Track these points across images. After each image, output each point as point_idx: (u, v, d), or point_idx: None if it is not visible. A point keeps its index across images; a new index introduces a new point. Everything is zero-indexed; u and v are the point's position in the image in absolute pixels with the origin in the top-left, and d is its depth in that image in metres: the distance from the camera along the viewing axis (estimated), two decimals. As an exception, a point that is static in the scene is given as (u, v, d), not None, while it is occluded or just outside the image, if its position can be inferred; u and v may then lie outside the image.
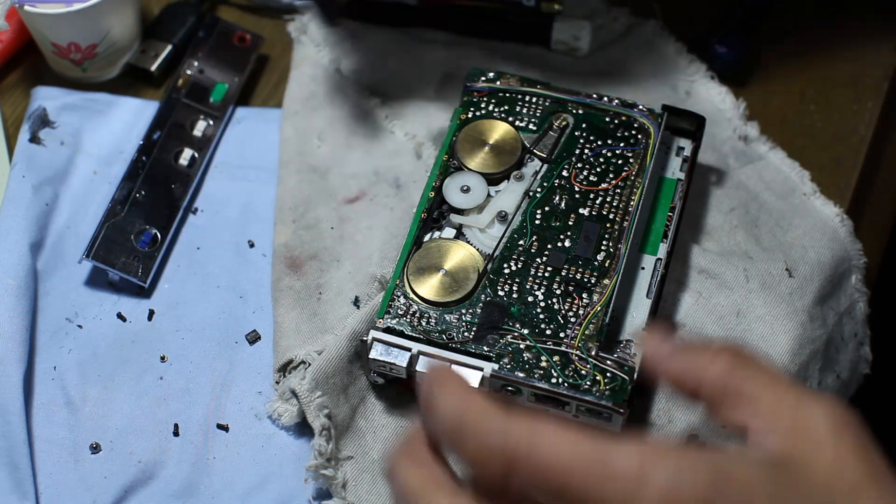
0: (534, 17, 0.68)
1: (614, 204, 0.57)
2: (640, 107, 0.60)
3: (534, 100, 0.61)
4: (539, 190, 0.58)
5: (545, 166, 0.58)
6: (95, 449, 0.55)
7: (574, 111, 0.60)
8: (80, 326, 0.59)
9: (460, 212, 0.57)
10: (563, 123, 0.60)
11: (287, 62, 0.69)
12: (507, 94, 0.61)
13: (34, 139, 0.64)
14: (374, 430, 0.55)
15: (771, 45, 0.71)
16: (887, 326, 0.68)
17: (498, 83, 0.61)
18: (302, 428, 0.56)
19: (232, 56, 0.68)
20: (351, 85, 0.67)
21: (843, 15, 0.72)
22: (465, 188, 0.58)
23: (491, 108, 0.61)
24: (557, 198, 0.57)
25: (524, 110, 0.60)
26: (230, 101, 0.67)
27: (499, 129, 0.60)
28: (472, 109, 0.61)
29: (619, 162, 0.58)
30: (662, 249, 0.57)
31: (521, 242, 0.56)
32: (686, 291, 0.58)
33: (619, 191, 0.58)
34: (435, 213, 0.57)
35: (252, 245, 0.62)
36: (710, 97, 0.67)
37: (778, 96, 0.69)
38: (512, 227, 0.56)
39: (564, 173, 0.58)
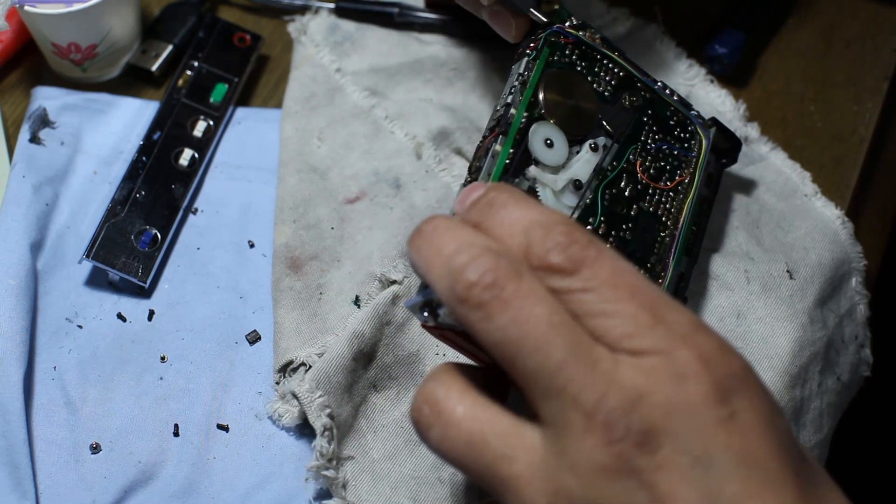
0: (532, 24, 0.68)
1: (667, 207, 0.55)
2: (696, 111, 0.58)
3: (610, 65, 0.57)
4: (610, 169, 0.54)
5: (615, 144, 0.55)
6: (95, 449, 0.55)
7: (643, 94, 0.57)
8: (80, 326, 0.59)
9: (536, 164, 0.52)
10: (636, 103, 0.56)
11: (287, 62, 0.69)
12: (589, 50, 0.56)
13: (34, 139, 0.64)
14: (375, 429, 0.55)
15: (771, 45, 0.71)
16: (887, 329, 0.68)
17: (583, 34, 0.57)
18: (302, 428, 0.56)
19: (232, 56, 0.68)
20: (351, 85, 0.67)
21: (843, 15, 0.72)
22: (549, 142, 0.53)
23: (574, 58, 0.56)
24: (624, 182, 0.54)
25: (601, 73, 0.56)
26: (230, 101, 0.67)
27: (582, 88, 0.55)
28: (557, 55, 0.55)
29: (675, 163, 0.56)
30: (684, 263, 0.55)
31: (590, 220, 0.52)
32: (686, 292, 0.58)
33: (671, 195, 0.55)
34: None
35: (252, 245, 0.62)
36: (710, 100, 0.67)
37: (778, 97, 0.69)
38: (584, 201, 0.53)
39: (631, 158, 0.55)
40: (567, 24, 0.56)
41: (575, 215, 0.52)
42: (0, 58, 0.68)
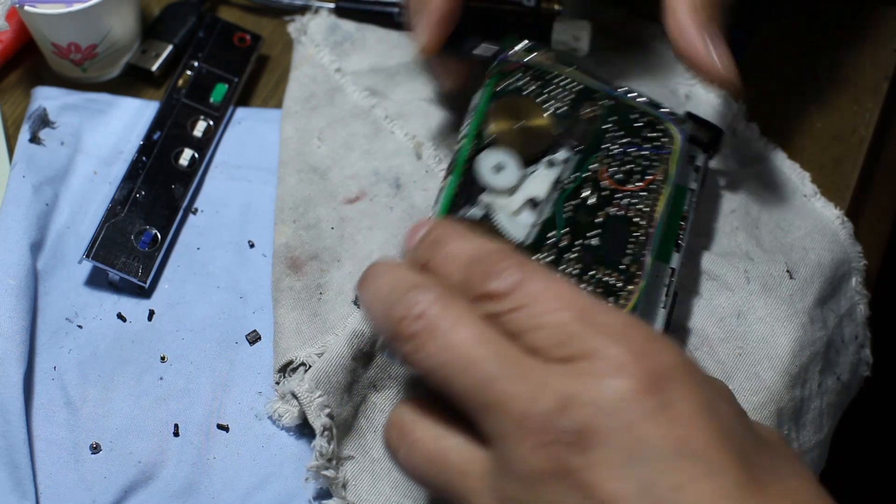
0: (533, 18, 0.68)
1: (639, 207, 0.55)
2: (666, 108, 0.58)
3: (565, 81, 0.58)
4: (570, 181, 0.55)
5: (575, 156, 0.56)
6: (95, 449, 0.55)
7: (604, 102, 0.58)
8: (80, 326, 0.59)
9: (487, 192, 0.54)
10: (594, 113, 0.57)
11: (287, 62, 0.69)
12: (541, 71, 0.58)
13: (34, 139, 0.64)
14: (375, 429, 0.55)
15: (770, 45, 0.71)
16: (887, 329, 0.68)
17: (534, 55, 0.58)
18: (302, 428, 0.56)
19: (232, 56, 0.68)
20: (351, 85, 0.67)
21: (843, 15, 0.72)
22: (498, 166, 0.55)
23: (523, 83, 0.57)
24: (587, 192, 0.55)
25: (556, 91, 0.57)
26: (230, 101, 0.67)
27: (532, 108, 0.57)
28: (505, 81, 0.57)
29: (645, 164, 0.56)
30: (675, 259, 0.56)
31: (551, 235, 0.53)
32: (687, 293, 0.58)
33: (643, 194, 0.55)
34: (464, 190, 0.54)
35: (252, 245, 0.62)
36: (710, 100, 0.67)
37: (778, 97, 0.69)
38: (543, 217, 0.54)
39: (593, 166, 0.55)
40: (515, 49, 0.58)
41: (534, 231, 0.53)
42: (0, 58, 0.68)
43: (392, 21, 0.70)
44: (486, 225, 0.53)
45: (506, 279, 0.41)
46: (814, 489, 0.39)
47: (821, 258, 0.60)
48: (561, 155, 0.56)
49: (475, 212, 0.54)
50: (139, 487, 0.54)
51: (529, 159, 0.55)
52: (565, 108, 0.57)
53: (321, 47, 0.69)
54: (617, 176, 0.55)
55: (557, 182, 0.55)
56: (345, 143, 0.65)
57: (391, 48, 0.69)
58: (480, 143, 0.55)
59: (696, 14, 0.53)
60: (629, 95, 0.58)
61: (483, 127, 0.55)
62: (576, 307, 0.40)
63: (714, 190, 0.63)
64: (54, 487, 0.54)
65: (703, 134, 0.59)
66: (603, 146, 0.56)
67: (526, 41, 0.58)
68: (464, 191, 0.54)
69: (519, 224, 0.54)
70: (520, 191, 0.54)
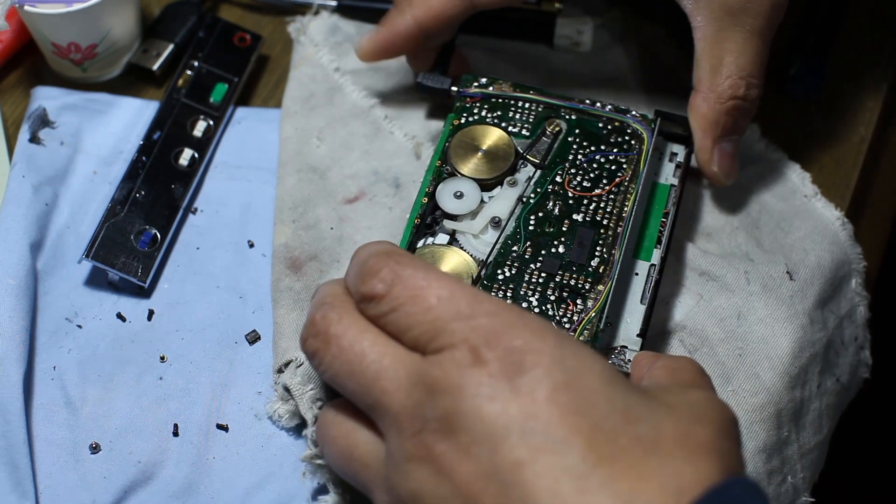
0: (536, 16, 0.68)
1: (608, 210, 0.57)
2: (633, 112, 0.60)
3: (526, 105, 0.60)
4: (532, 196, 0.57)
5: (538, 172, 0.58)
6: (95, 449, 0.55)
7: (567, 116, 0.60)
8: (79, 326, 0.59)
9: (454, 218, 0.57)
10: (557, 129, 0.59)
11: (287, 62, 0.69)
12: (500, 100, 0.60)
13: (34, 139, 0.64)
14: None
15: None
16: (887, 331, 0.68)
17: (491, 88, 0.61)
18: (301, 428, 0.56)
19: (232, 56, 0.68)
20: (350, 84, 0.67)
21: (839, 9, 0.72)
22: (458, 194, 0.57)
23: (484, 113, 0.60)
24: (551, 203, 0.57)
25: (517, 116, 0.60)
26: (230, 101, 0.67)
27: (492, 135, 0.59)
28: (464, 115, 0.60)
29: (613, 168, 0.58)
30: (656, 255, 0.57)
31: (514, 248, 0.56)
32: (687, 293, 0.58)
33: (612, 196, 0.57)
34: (428, 219, 0.57)
35: (252, 245, 0.62)
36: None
37: (778, 97, 0.69)
38: (506, 233, 0.56)
39: (558, 179, 0.58)
40: (474, 84, 0.61)
41: (497, 249, 0.56)
42: (0, 58, 0.68)
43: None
44: (454, 248, 0.56)
45: (381, 280, 0.43)
46: (710, 469, 0.38)
47: (821, 259, 0.60)
48: (523, 174, 0.58)
49: (441, 237, 0.56)
50: (139, 487, 0.54)
51: (494, 182, 0.58)
52: (528, 127, 0.60)
53: (320, 47, 0.68)
54: (584, 184, 0.58)
55: (520, 198, 0.57)
56: (344, 143, 0.65)
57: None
58: (439, 177, 0.58)
59: (711, 132, 0.58)
60: (595, 107, 0.60)
61: (443, 162, 0.58)
62: (444, 301, 0.42)
63: (714, 190, 0.63)
64: (54, 487, 0.54)
65: (681, 128, 0.60)
66: (569, 158, 0.58)
67: (484, 78, 0.61)
68: (425, 224, 0.57)
69: (483, 243, 0.56)
70: (481, 214, 0.57)
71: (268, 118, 0.67)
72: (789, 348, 0.57)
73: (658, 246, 0.57)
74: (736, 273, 0.59)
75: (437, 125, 0.65)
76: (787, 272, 0.59)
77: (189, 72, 0.67)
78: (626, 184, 0.57)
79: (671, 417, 0.40)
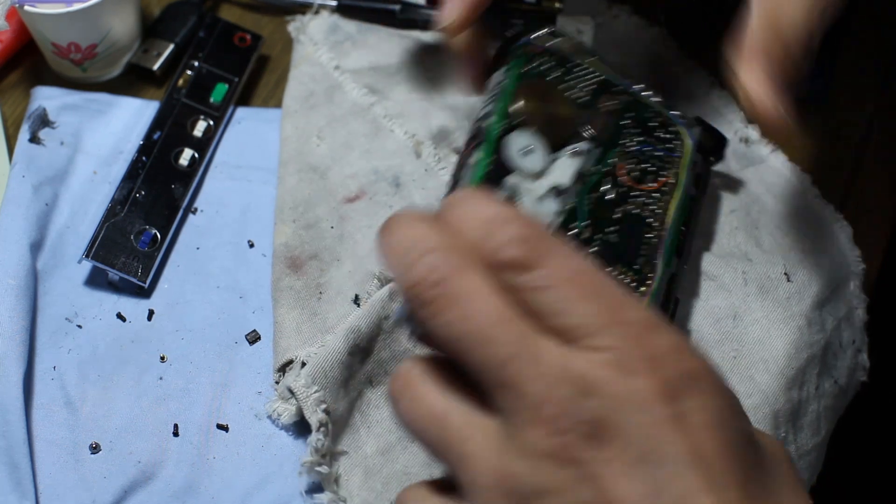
0: (536, 14, 0.68)
1: (652, 208, 0.55)
2: (677, 112, 0.58)
3: (586, 71, 0.57)
4: (592, 173, 0.54)
5: (595, 149, 0.55)
6: (95, 449, 0.55)
7: (622, 96, 0.57)
8: (79, 326, 0.59)
9: (512, 172, 0.53)
10: (614, 107, 0.56)
11: (287, 62, 0.69)
12: (562, 59, 0.57)
13: (34, 139, 0.64)
14: (369, 425, 0.55)
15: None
16: (885, 333, 0.68)
17: (557, 41, 0.57)
18: (301, 428, 0.56)
19: (232, 56, 0.68)
20: (350, 82, 0.67)
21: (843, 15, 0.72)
22: (527, 150, 0.54)
23: (546, 67, 0.56)
24: (607, 187, 0.54)
25: (577, 80, 0.57)
26: (230, 101, 0.67)
27: (556, 94, 0.56)
28: (529, 64, 0.56)
29: (659, 164, 0.56)
30: (674, 264, 0.55)
31: (573, 226, 0.53)
32: (684, 293, 0.58)
33: (656, 195, 0.55)
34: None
35: (252, 245, 0.62)
36: (710, 100, 0.67)
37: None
38: (566, 206, 0.53)
39: (612, 161, 0.55)
40: (539, 33, 0.57)
41: (559, 221, 0.53)
42: (0, 58, 0.68)
43: (394, 19, 0.70)
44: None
45: (529, 250, 0.39)
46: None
47: (819, 261, 0.60)
48: (583, 146, 0.55)
49: (500, 193, 0.53)
50: (139, 487, 0.54)
51: (553, 146, 0.54)
52: (586, 98, 0.56)
53: (320, 45, 0.68)
54: (633, 173, 0.55)
55: (580, 173, 0.54)
56: (344, 142, 0.65)
57: (392, 47, 0.69)
58: (509, 123, 0.53)
59: (771, 79, 0.52)
60: (644, 94, 0.58)
61: (511, 106, 0.54)
62: (604, 298, 0.38)
63: (714, 191, 0.63)
64: (54, 487, 0.54)
65: (708, 140, 0.59)
66: (621, 141, 0.56)
67: (549, 27, 0.57)
68: (490, 170, 0.53)
69: (543, 211, 0.53)
70: (545, 176, 0.54)
71: (268, 118, 0.67)
72: (784, 350, 0.57)
73: (678, 255, 0.55)
74: (734, 273, 0.59)
75: (438, 124, 0.65)
76: (785, 273, 0.59)
77: (189, 72, 0.67)
78: (669, 185, 0.55)
79: (770, 449, 0.40)
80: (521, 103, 0.54)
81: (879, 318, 0.65)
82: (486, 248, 0.40)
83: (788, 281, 0.59)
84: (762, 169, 0.64)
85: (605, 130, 0.56)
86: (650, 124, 0.57)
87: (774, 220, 0.62)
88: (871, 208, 0.68)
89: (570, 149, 0.54)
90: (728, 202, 0.62)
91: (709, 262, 0.59)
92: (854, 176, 0.66)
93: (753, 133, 0.66)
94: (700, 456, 0.36)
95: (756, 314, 0.58)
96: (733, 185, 0.63)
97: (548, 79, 0.56)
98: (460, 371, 0.41)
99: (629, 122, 0.56)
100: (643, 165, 0.56)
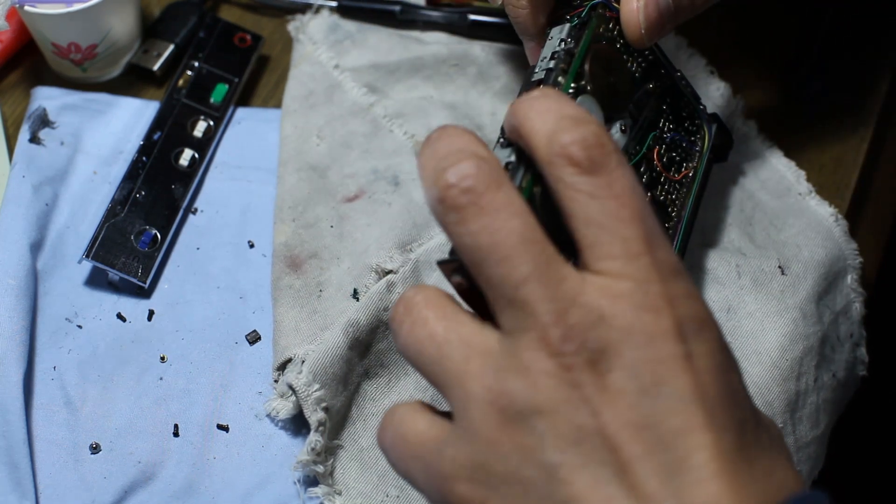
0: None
1: (673, 198, 0.55)
2: (703, 105, 0.57)
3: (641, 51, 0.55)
4: (635, 152, 0.53)
5: (639, 129, 0.54)
6: (95, 449, 0.55)
7: (665, 81, 0.56)
8: (79, 326, 0.59)
9: None
10: (658, 90, 0.55)
11: (287, 62, 0.69)
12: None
13: (34, 139, 0.64)
14: (365, 418, 0.56)
15: (771, 44, 0.71)
16: (887, 330, 0.68)
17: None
18: (301, 428, 0.56)
19: (232, 56, 0.68)
20: (350, 81, 0.67)
21: (842, 14, 0.72)
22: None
23: (616, 34, 0.54)
24: (644, 168, 0.54)
25: (636, 55, 0.55)
26: (230, 102, 0.67)
27: (621, 66, 0.53)
28: (602, 27, 0.53)
29: (683, 155, 0.56)
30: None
31: None
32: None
33: (678, 186, 0.55)
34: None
35: (252, 245, 0.62)
36: (709, 93, 0.67)
37: (777, 96, 0.69)
38: None
39: (650, 144, 0.54)
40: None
41: None
42: (0, 58, 0.68)
43: (394, 19, 0.70)
44: None
45: (595, 155, 0.38)
46: (796, 479, 0.39)
47: (814, 255, 0.60)
48: (629, 122, 0.54)
49: None
50: (139, 487, 0.54)
51: (606, 117, 0.53)
52: (638, 75, 0.55)
53: (319, 45, 0.68)
54: (664, 159, 0.55)
55: (624, 149, 0.53)
56: (344, 142, 0.65)
57: (391, 46, 0.69)
58: (578, 85, 0.51)
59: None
60: (682, 82, 0.57)
61: (581, 67, 0.51)
62: (644, 228, 0.38)
63: (708, 185, 0.63)
64: (54, 487, 0.54)
65: (718, 139, 0.59)
66: (659, 125, 0.55)
67: None
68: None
69: None
70: None
71: (268, 118, 0.67)
72: (778, 342, 0.57)
73: (682, 250, 0.55)
74: (727, 267, 0.59)
75: (437, 124, 0.64)
76: (779, 266, 0.59)
77: (189, 72, 0.67)
78: (688, 178, 0.55)
79: (766, 421, 0.40)
80: (589, 67, 0.52)
81: (881, 314, 0.65)
82: (557, 140, 0.39)
83: (783, 274, 0.59)
84: (757, 165, 0.64)
85: (649, 111, 0.55)
86: (682, 114, 0.57)
87: (768, 216, 0.62)
88: (871, 205, 0.68)
89: (620, 124, 0.53)
90: (722, 198, 0.62)
91: (702, 256, 0.59)
92: (854, 174, 0.66)
93: (750, 128, 0.66)
94: (704, 396, 0.37)
95: (750, 307, 0.58)
96: (728, 180, 0.63)
97: (615, 47, 0.54)
98: (462, 301, 0.41)
99: (667, 108, 0.56)
100: (672, 154, 0.55)
